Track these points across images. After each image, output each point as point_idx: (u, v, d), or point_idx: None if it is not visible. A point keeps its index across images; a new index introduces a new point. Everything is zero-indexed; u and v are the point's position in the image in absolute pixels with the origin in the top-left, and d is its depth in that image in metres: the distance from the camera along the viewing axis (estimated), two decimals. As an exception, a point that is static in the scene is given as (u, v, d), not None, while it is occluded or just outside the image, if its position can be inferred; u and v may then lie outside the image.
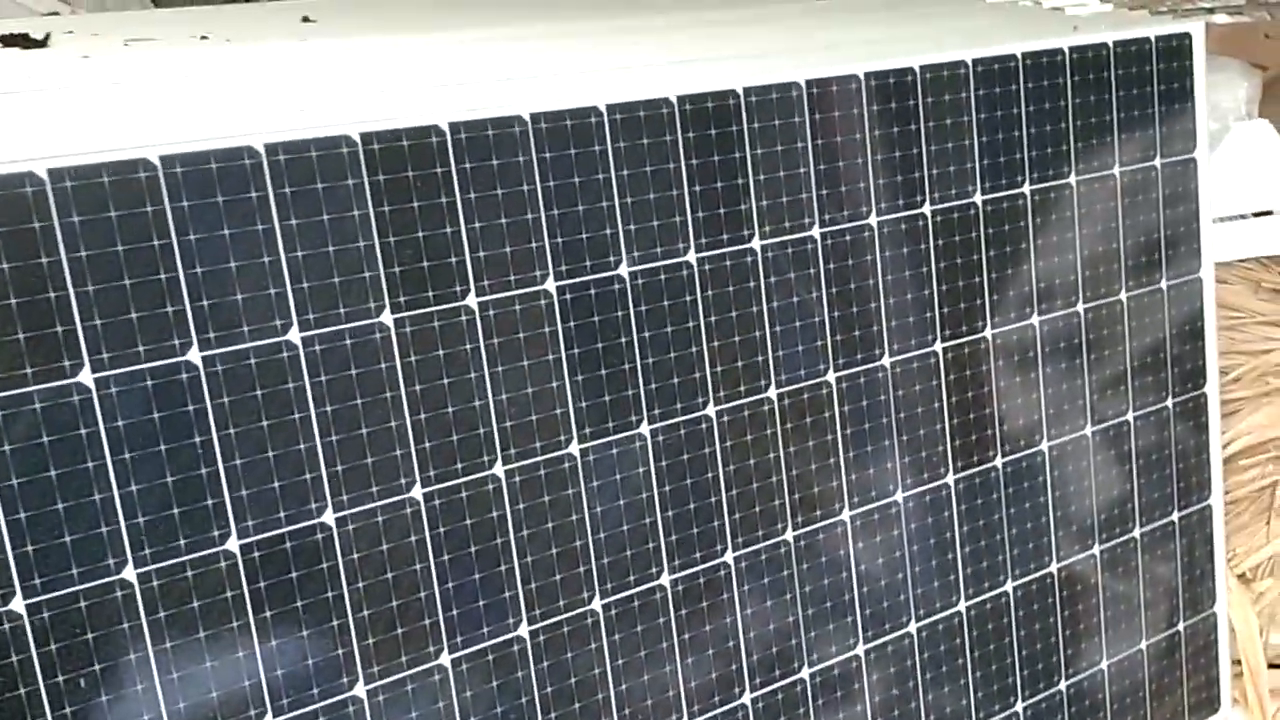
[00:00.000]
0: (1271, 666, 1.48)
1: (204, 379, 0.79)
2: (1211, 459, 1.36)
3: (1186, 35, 1.27)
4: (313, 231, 0.82)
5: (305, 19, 1.28)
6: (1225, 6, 1.81)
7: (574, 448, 0.96)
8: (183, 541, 0.80)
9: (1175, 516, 1.34)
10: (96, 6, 1.52)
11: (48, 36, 1.13)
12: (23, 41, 1.11)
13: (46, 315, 0.74)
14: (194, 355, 0.79)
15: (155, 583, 0.79)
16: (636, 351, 0.97)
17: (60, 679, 0.76)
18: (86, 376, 0.76)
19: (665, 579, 1.02)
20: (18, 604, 0.75)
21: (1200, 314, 1.33)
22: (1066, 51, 1.19)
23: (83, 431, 0.76)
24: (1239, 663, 1.45)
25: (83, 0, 1.49)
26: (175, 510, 0.79)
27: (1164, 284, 1.29)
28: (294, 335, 0.83)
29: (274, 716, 0.84)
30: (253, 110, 0.84)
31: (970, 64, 1.13)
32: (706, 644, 1.04)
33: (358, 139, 0.84)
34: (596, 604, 0.98)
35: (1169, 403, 1.32)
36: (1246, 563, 1.48)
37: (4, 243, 0.72)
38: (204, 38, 1.16)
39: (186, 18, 1.33)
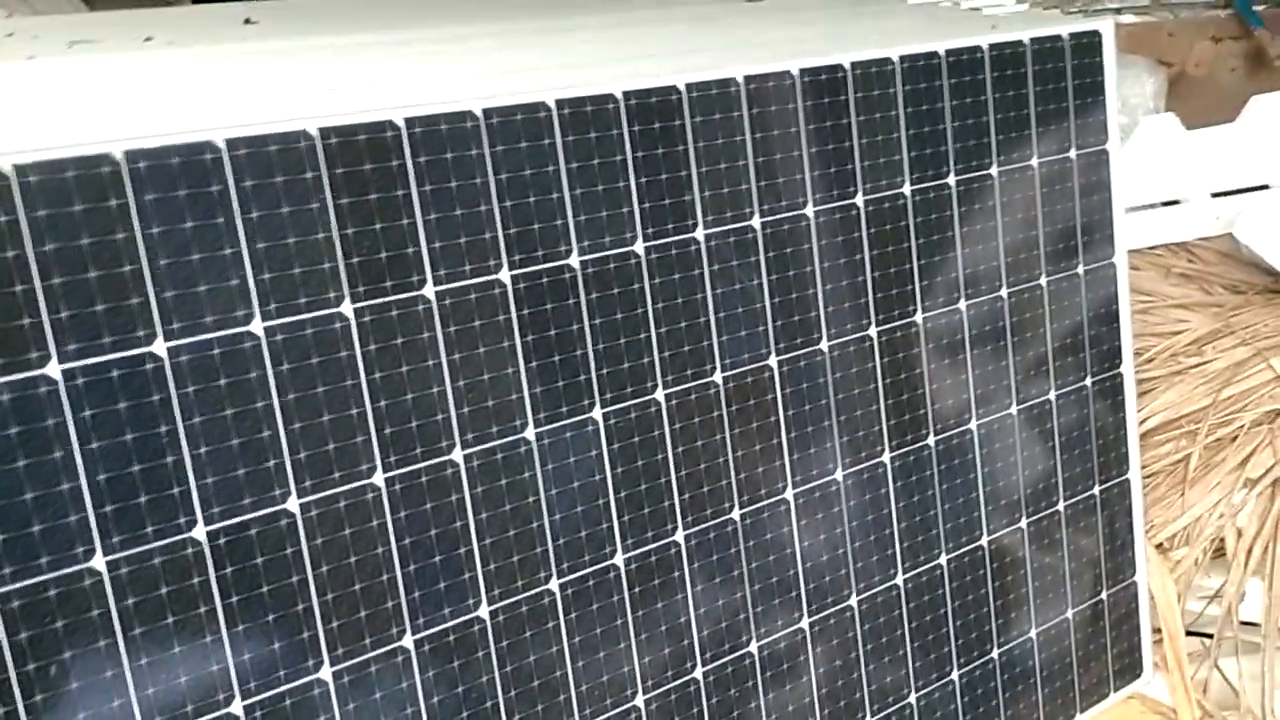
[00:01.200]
0: (1188, 633, 1.56)
1: (169, 370, 0.81)
2: (1129, 435, 1.43)
3: (1097, 33, 1.34)
4: (274, 223, 0.84)
5: (247, 21, 1.30)
6: (1132, 6, 1.90)
7: (529, 432, 0.99)
8: (150, 529, 0.81)
9: (1096, 490, 1.41)
10: (27, 11, 1.51)
11: (-11, 38, 1.13)
12: (-37, 43, 1.11)
13: (14, 308, 0.75)
14: (158, 347, 0.81)
15: (124, 570, 0.81)
16: (588, 338, 1.01)
17: (30, 667, 0.77)
18: (54, 368, 0.77)
19: (619, 558, 1.05)
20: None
21: (1115, 298, 1.40)
22: (986, 48, 1.25)
23: (50, 422, 0.77)
24: (1159, 630, 1.52)
25: (12, 4, 1.48)
26: (142, 499, 0.81)
27: (1080, 269, 1.36)
28: (256, 326, 0.85)
29: (241, 700, 0.86)
30: (211, 107, 0.86)
31: (897, 60, 1.18)
32: (659, 621, 1.08)
33: (316, 134, 0.86)
34: (554, 584, 1.01)
35: (1088, 382, 1.39)
36: (1164, 533, 1.56)
37: (-30, 237, 0.73)
38: (148, 39, 1.17)
39: (126, 20, 1.33)
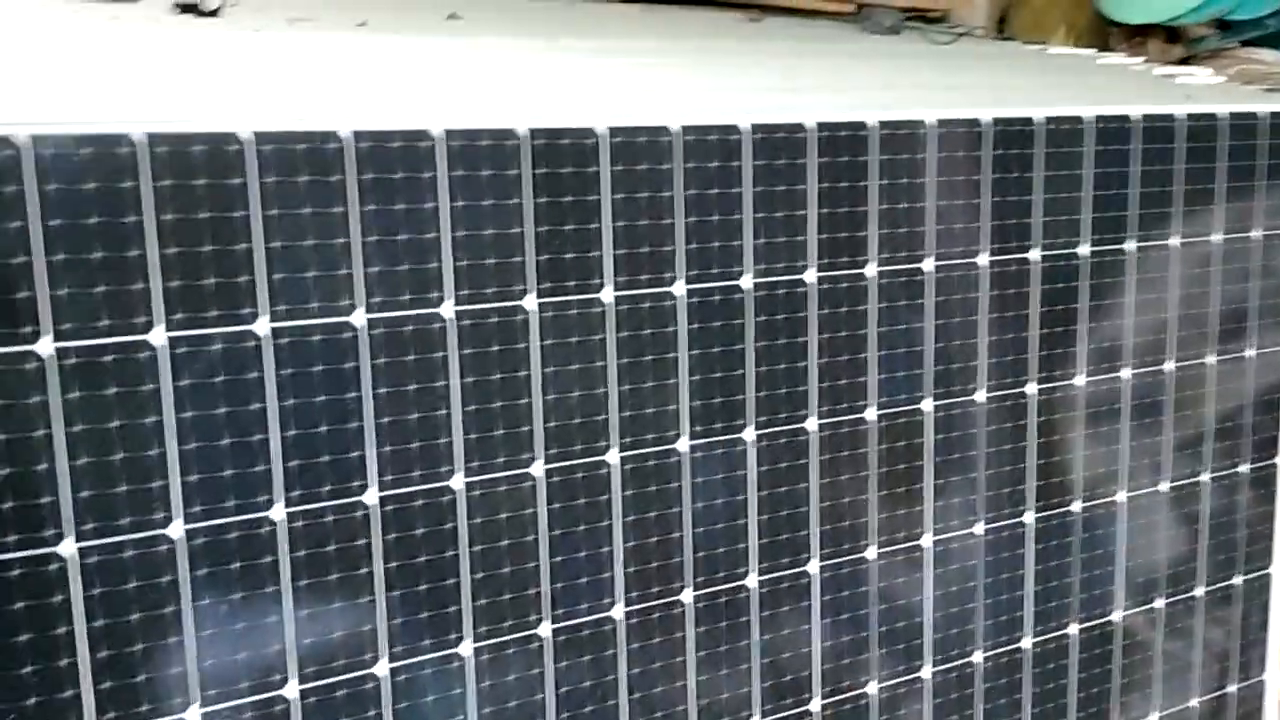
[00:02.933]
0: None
1: (272, 348, 0.84)
2: (1276, 527, 1.38)
3: (1297, 114, 1.31)
4: (477, 214, 0.88)
5: (452, 15, 1.35)
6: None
7: (683, 444, 1.01)
8: (326, 488, 0.86)
9: (1238, 580, 1.37)
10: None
11: (219, 8, 1.20)
12: (196, 10, 1.19)
13: (231, 265, 0.80)
14: (357, 317, 0.85)
15: (300, 524, 0.85)
16: (750, 360, 1.02)
17: (206, 601, 0.82)
18: (262, 324, 0.82)
19: (752, 580, 1.06)
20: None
21: (1281, 385, 1.35)
22: (1182, 118, 1.23)
23: (254, 375, 0.82)
24: (1284, 733, 1.46)
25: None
26: (325, 459, 0.85)
27: (1250, 352, 1.32)
28: (447, 309, 0.88)
29: (389, 662, 0.90)
30: (426, 99, 0.90)
31: (1090, 120, 1.17)
32: (783, 648, 1.09)
33: (524, 134, 0.89)
34: (687, 595, 1.03)
35: (1242, 469, 1.35)
36: (1301, 635, 1.50)
37: (210, 201, 0.78)
38: (362, 24, 1.23)
39: (340, 1, 1.40)
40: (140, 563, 0.80)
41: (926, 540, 1.15)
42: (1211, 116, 1.26)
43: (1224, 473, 1.33)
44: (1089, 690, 1.27)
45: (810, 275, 1.05)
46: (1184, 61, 1.87)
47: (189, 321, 0.79)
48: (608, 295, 0.95)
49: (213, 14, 1.19)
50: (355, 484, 0.87)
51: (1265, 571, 1.39)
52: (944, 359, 1.13)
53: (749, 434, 1.04)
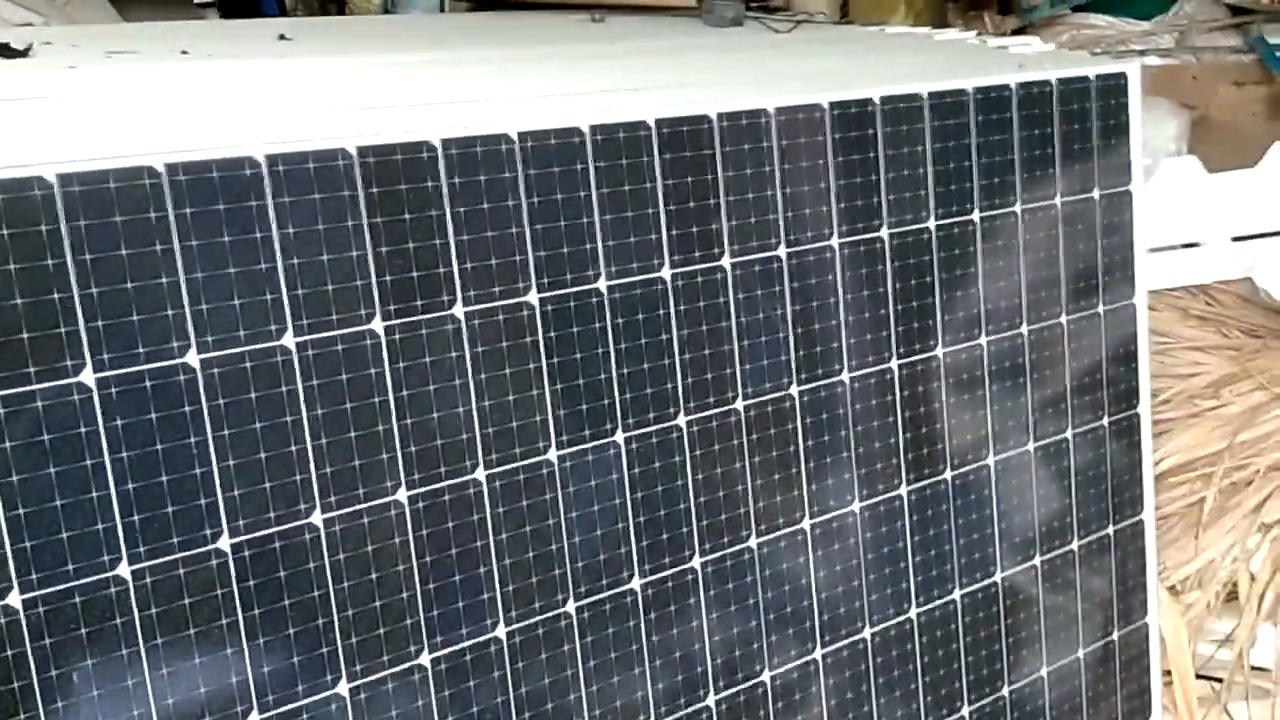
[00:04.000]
0: (1199, 677, 1.55)
1: (200, 381, 0.82)
2: (1144, 476, 1.43)
3: (1123, 75, 1.35)
4: (308, 240, 0.85)
5: (282, 36, 1.31)
6: (1156, 49, 1.91)
7: (552, 454, 0.99)
8: (176, 540, 0.82)
9: (1110, 530, 1.41)
10: (65, 20, 1.53)
11: (29, 47, 1.14)
12: (5, 51, 1.13)
13: (53, 316, 0.76)
14: (191, 358, 0.81)
15: (149, 580, 0.81)
16: (612, 362, 1.02)
17: (54, 673, 0.78)
18: (88, 376, 0.78)
19: (636, 583, 1.05)
20: (14, 599, 0.76)
21: (1134, 338, 1.40)
22: (1014, 87, 1.26)
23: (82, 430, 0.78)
24: (1169, 672, 1.52)
25: (53, 13, 1.50)
26: (170, 509, 0.81)
27: (1101, 309, 1.37)
28: (288, 340, 0.85)
29: (259, 713, 0.86)
30: (249, 123, 0.87)
31: (925, 96, 1.19)
32: (673, 647, 1.08)
33: (354, 152, 0.87)
34: (571, 606, 1.02)
35: (1105, 421, 1.39)
36: (1176, 575, 1.56)
37: (15, 250, 0.74)
38: (184, 53, 1.18)
39: (163, 32, 1.35)
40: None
41: (806, 523, 1.15)
42: (1044, 83, 1.29)
43: (1087, 427, 1.37)
44: (978, 653, 1.30)
45: (665, 272, 1.04)
46: (1019, 32, 1.93)
47: (7, 380, 0.75)
48: (459, 311, 0.93)
49: (24, 54, 1.13)
50: (207, 531, 0.83)
51: (1138, 519, 1.44)
52: (806, 343, 1.13)
53: (619, 437, 1.03)
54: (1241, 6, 1.93)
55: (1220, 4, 1.97)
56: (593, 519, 1.02)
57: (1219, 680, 1.53)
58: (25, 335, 0.75)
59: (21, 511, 0.76)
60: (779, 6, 1.71)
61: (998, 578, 1.31)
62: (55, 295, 0.76)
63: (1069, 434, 1.36)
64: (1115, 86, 1.35)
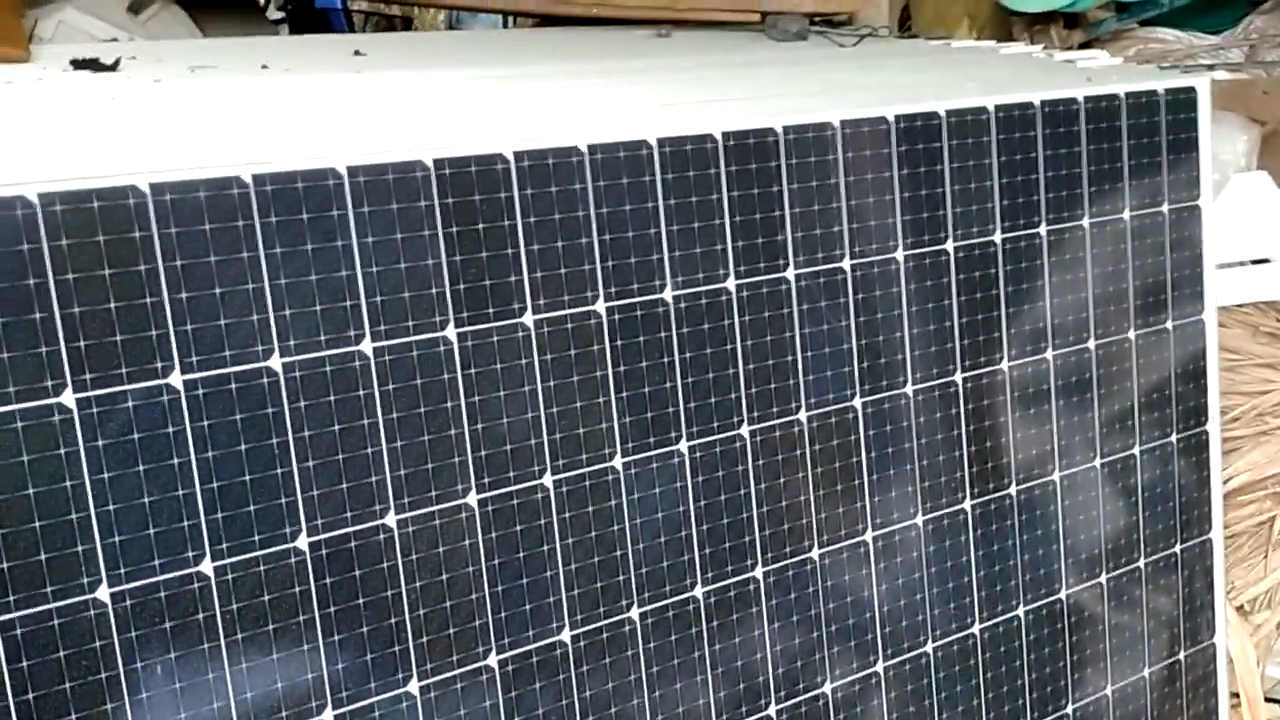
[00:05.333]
0: (1268, 700, 1.52)
1: (283, 384, 0.84)
2: (1212, 494, 1.41)
3: (1192, 89, 1.34)
4: (385, 249, 0.88)
5: (356, 52, 1.34)
6: (1225, 64, 1.89)
7: (617, 461, 1.01)
8: (257, 538, 0.84)
9: (1178, 548, 1.39)
10: (148, 36, 1.58)
11: (117, 61, 1.18)
12: (95, 65, 1.17)
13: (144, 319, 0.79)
14: (274, 362, 0.84)
15: (230, 576, 0.84)
16: (678, 372, 1.03)
17: (138, 665, 0.80)
18: (176, 378, 0.81)
19: (699, 591, 1.06)
20: (102, 592, 0.79)
21: (1203, 354, 1.38)
22: (1081, 101, 1.25)
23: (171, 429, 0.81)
24: (1237, 694, 1.49)
25: (136, 29, 1.55)
26: (251, 508, 0.84)
27: (1169, 324, 1.35)
28: (366, 346, 0.88)
29: (333, 709, 0.88)
30: (330, 135, 0.90)
31: (992, 110, 1.19)
32: (735, 655, 1.09)
33: (430, 164, 0.89)
34: (634, 612, 1.03)
35: (1173, 439, 1.37)
36: (1245, 595, 1.53)
37: (109, 256, 0.77)
38: (264, 67, 1.21)
39: (242, 47, 1.39)
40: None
41: (869, 535, 1.16)
42: (1112, 97, 1.28)
43: (1155, 444, 1.36)
44: (1042, 670, 1.29)
45: (730, 283, 1.05)
46: (1085, 46, 1.92)
47: (100, 381, 0.78)
48: (529, 319, 0.95)
49: (112, 68, 1.17)
50: (287, 530, 0.86)
51: (1206, 537, 1.42)
52: (870, 355, 1.14)
53: (683, 446, 1.04)
54: (1314, 20, 1.89)
55: (1292, 17, 1.94)
56: (656, 526, 1.03)
57: (1289, 704, 1.50)
58: (118, 338, 0.78)
59: (111, 508, 0.79)
60: (843, 21, 1.72)
61: (1063, 594, 1.30)
62: (146, 300, 0.79)
63: (1136, 450, 1.34)
64: (1184, 101, 1.34)
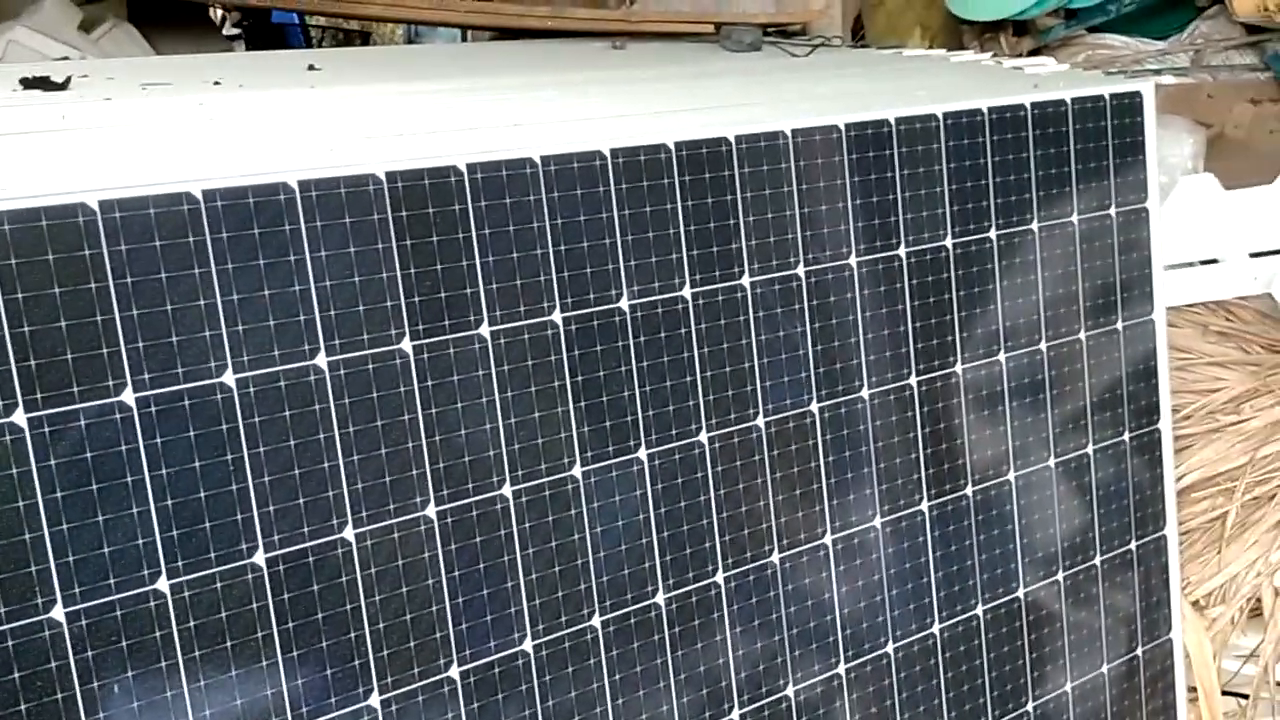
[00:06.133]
0: (1224, 692, 1.55)
1: (237, 400, 0.84)
2: (1166, 491, 1.44)
3: (1138, 94, 1.37)
4: (339, 262, 0.88)
5: (311, 67, 1.34)
6: (1172, 68, 1.93)
7: (576, 470, 1.01)
8: (213, 555, 0.84)
9: (1133, 545, 1.41)
10: (99, 53, 1.57)
11: (68, 79, 1.18)
12: (45, 84, 1.16)
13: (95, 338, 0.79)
14: (228, 378, 0.84)
15: (187, 594, 0.83)
16: (635, 380, 1.03)
17: (95, 684, 0.80)
18: (128, 395, 0.80)
19: (660, 598, 1.07)
20: (57, 612, 0.79)
21: (1154, 354, 1.41)
22: (1029, 107, 1.27)
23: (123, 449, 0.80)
24: (1194, 688, 1.51)
25: (87, 47, 1.55)
26: (207, 525, 0.84)
27: (1120, 325, 1.38)
28: (320, 360, 0.88)
29: (294, 724, 0.88)
30: (282, 150, 0.90)
31: (941, 117, 1.21)
32: (698, 661, 1.09)
33: (383, 178, 0.89)
34: (596, 620, 1.03)
35: (1125, 437, 1.40)
36: (1200, 590, 1.56)
37: (59, 273, 0.77)
38: (217, 83, 1.21)
39: (195, 64, 1.39)
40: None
41: (828, 538, 1.17)
42: (1059, 103, 1.31)
43: (1109, 443, 1.38)
44: (1002, 669, 1.30)
45: (687, 291, 1.06)
46: (1034, 53, 1.95)
47: (52, 400, 0.78)
48: (485, 330, 0.96)
49: (63, 87, 1.17)
50: (243, 546, 0.85)
51: (1160, 534, 1.44)
52: (826, 360, 1.15)
53: (642, 453, 1.05)
54: (1257, 25, 1.94)
55: (1235, 23, 1.98)
56: (617, 534, 1.04)
57: (1244, 696, 1.53)
58: (69, 356, 0.78)
59: (65, 527, 0.79)
60: (797, 31, 1.74)
61: (1020, 593, 1.32)
62: (98, 317, 0.79)
63: (1090, 449, 1.36)
64: (1130, 105, 1.36)
